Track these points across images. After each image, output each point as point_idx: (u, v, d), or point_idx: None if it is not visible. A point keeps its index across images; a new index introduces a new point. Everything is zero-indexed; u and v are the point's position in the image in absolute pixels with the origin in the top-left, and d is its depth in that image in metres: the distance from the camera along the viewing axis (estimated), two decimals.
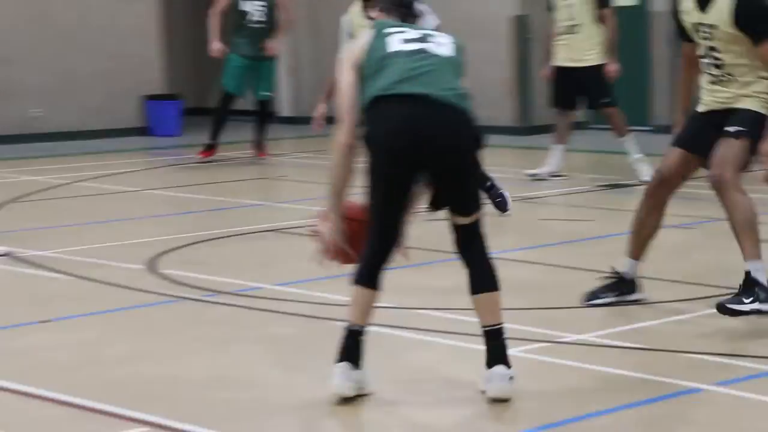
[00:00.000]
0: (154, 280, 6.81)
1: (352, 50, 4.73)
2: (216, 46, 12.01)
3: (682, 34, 5.87)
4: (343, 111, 4.64)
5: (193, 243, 7.90)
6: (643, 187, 6.24)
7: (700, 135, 5.76)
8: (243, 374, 5.06)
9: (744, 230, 5.53)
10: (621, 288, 5.98)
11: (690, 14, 5.74)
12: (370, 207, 4.65)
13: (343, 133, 4.63)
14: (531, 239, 7.94)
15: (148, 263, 7.20)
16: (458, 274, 4.77)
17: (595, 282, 6.07)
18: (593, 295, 6.01)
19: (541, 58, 11.14)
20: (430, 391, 4.81)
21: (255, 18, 11.97)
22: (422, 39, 4.67)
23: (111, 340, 5.61)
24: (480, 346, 4.70)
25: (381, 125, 4.57)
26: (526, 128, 14.34)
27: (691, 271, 6.73)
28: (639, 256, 5.96)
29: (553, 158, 10.53)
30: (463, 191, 4.66)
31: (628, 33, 12.56)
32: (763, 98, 5.67)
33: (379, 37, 4.67)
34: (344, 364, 4.59)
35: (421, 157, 4.56)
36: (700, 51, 5.75)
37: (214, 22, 12.08)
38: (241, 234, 8.19)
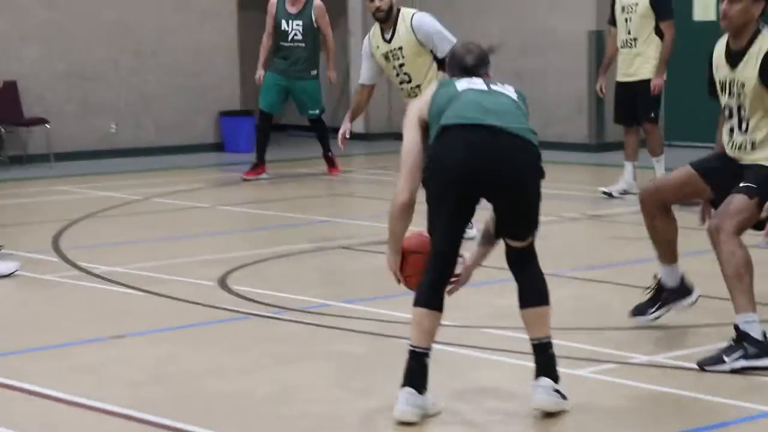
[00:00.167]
0: (224, 296, 6.88)
1: (417, 105, 4.79)
2: (258, 74, 12.14)
3: (711, 91, 5.69)
4: (405, 170, 4.67)
5: (263, 260, 7.97)
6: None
7: (718, 169, 5.60)
8: (310, 391, 5.08)
9: (734, 282, 5.27)
10: (666, 298, 5.87)
11: (720, 70, 5.59)
12: (431, 230, 4.69)
13: (402, 191, 4.66)
14: (600, 258, 7.88)
15: (219, 279, 7.28)
16: None
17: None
18: (638, 310, 5.93)
19: (600, 72, 11.05)
20: (493, 410, 4.79)
21: (291, 37, 12.02)
22: (488, 84, 4.77)
23: (180, 356, 5.68)
24: None
25: (447, 152, 4.59)
26: (600, 145, 14.26)
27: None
28: (669, 260, 5.83)
29: (626, 176, 10.45)
30: (522, 217, 4.69)
31: (705, 47, 12.40)
32: None
33: (446, 85, 4.76)
34: (408, 390, 4.61)
35: (485, 184, 4.60)
36: (727, 105, 5.56)
37: (264, 45, 12.18)
38: (309, 251, 8.24)
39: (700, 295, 5.95)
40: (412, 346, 4.64)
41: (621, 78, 10.43)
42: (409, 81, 8.27)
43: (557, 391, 4.64)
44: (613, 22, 10.49)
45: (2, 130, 13.46)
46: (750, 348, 5.23)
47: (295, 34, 12.03)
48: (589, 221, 9.33)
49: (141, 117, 14.62)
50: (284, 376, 5.33)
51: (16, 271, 7.40)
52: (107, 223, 9.73)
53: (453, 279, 4.77)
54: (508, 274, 4.80)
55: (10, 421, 4.74)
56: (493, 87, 4.75)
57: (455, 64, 4.88)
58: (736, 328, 5.29)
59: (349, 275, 7.59)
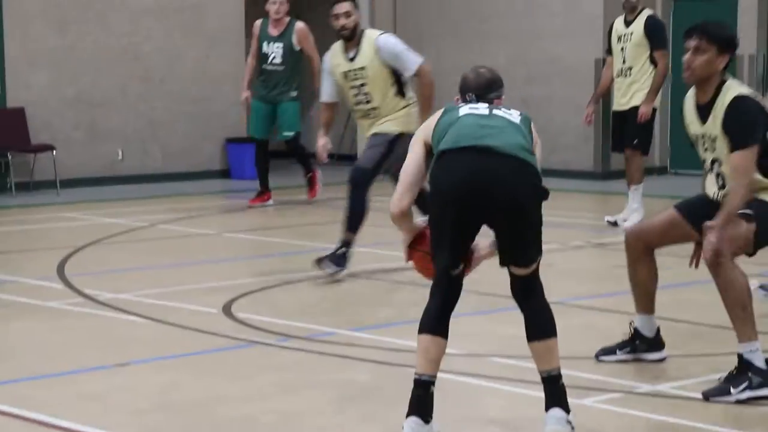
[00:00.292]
0: (228, 323, 6.88)
1: (426, 125, 4.87)
2: (243, 96, 12.18)
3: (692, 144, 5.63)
4: (402, 183, 4.79)
5: (268, 287, 7.97)
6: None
7: (703, 210, 5.48)
8: (314, 420, 5.08)
9: (737, 311, 5.22)
10: (637, 345, 5.82)
11: (691, 126, 5.52)
12: (434, 257, 4.71)
13: (394, 204, 4.79)
14: (605, 287, 7.87)
15: (224, 306, 7.28)
16: None
17: (667, 331, 5.99)
18: (608, 350, 5.86)
19: (590, 101, 11.04)
20: None
21: (270, 60, 12.03)
22: (492, 108, 4.79)
23: (184, 383, 5.67)
24: None
25: (442, 175, 4.63)
26: (605, 173, 14.26)
27: None
28: (645, 309, 5.78)
29: (632, 204, 10.46)
30: (522, 242, 4.67)
31: None
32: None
33: (450, 111, 4.81)
34: (414, 419, 4.59)
35: (481, 207, 4.60)
36: (703, 158, 5.49)
37: (249, 66, 12.21)
38: (314, 278, 8.24)
39: (668, 356, 5.90)
40: (417, 374, 4.63)
41: (616, 107, 10.50)
42: (368, 102, 8.28)
43: (569, 422, 4.63)
44: (609, 51, 10.56)
45: (9, 156, 13.50)
46: (754, 378, 5.21)
47: (274, 57, 12.01)
48: (594, 249, 9.31)
49: (148, 143, 14.68)
50: (288, 404, 5.32)
51: None
52: (113, 249, 9.74)
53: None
54: (513, 303, 4.80)
55: None
56: (495, 111, 4.76)
57: (464, 89, 4.92)
58: (740, 357, 5.27)
59: (355, 303, 7.59)
